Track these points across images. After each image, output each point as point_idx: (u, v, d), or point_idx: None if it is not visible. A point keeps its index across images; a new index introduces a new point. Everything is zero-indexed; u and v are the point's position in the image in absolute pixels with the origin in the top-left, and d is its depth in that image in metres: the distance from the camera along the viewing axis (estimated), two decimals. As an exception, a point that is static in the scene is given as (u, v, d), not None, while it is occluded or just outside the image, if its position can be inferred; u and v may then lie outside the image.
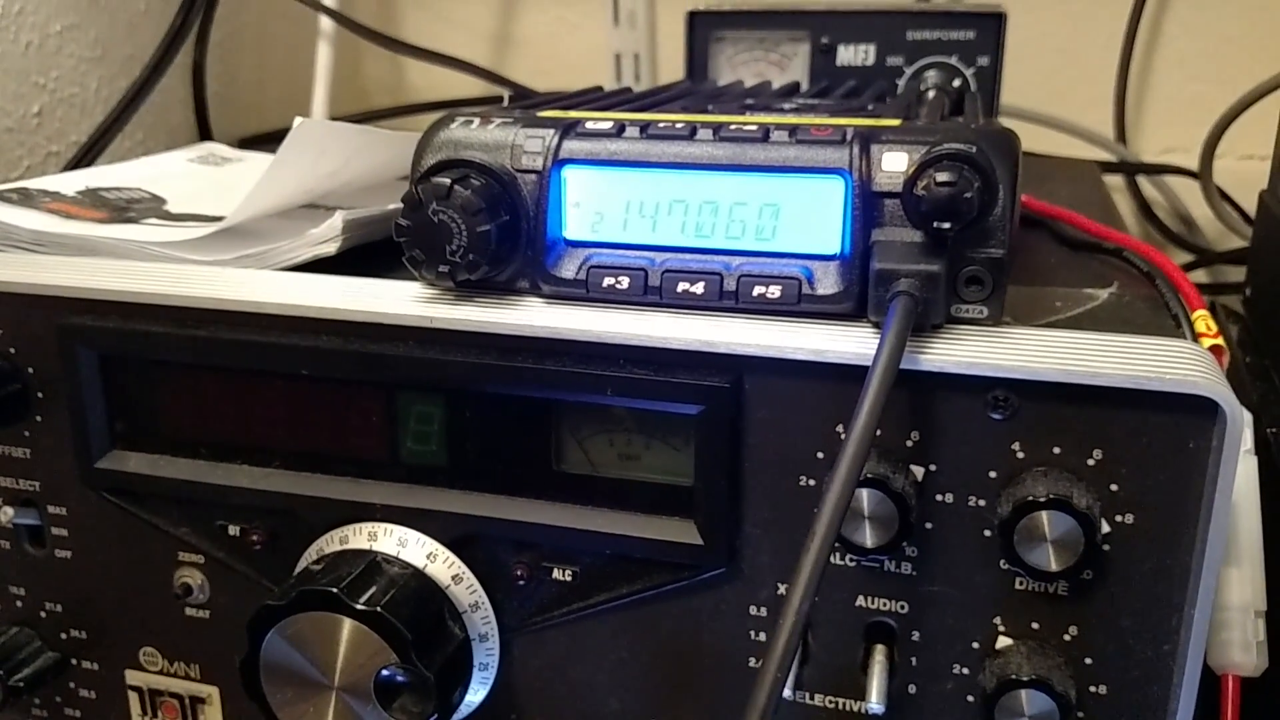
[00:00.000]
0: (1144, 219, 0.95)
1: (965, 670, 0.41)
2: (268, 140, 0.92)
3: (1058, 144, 0.93)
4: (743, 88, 0.64)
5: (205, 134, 0.91)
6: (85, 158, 0.74)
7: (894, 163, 0.39)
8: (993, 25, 0.68)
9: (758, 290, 0.40)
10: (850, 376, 0.37)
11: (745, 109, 0.49)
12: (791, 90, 0.64)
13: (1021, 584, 0.40)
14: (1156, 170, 0.94)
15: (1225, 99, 0.85)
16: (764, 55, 0.72)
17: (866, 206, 0.39)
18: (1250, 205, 0.86)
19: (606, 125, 0.41)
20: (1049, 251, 0.54)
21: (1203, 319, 0.44)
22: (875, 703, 0.40)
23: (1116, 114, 0.94)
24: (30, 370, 0.48)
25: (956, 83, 0.68)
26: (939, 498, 0.39)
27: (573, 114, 0.45)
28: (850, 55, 0.70)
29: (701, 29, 0.72)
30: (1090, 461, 0.38)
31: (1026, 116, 0.92)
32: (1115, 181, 0.94)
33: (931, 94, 0.57)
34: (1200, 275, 0.93)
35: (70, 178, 0.62)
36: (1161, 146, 0.95)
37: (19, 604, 0.52)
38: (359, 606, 0.41)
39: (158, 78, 0.75)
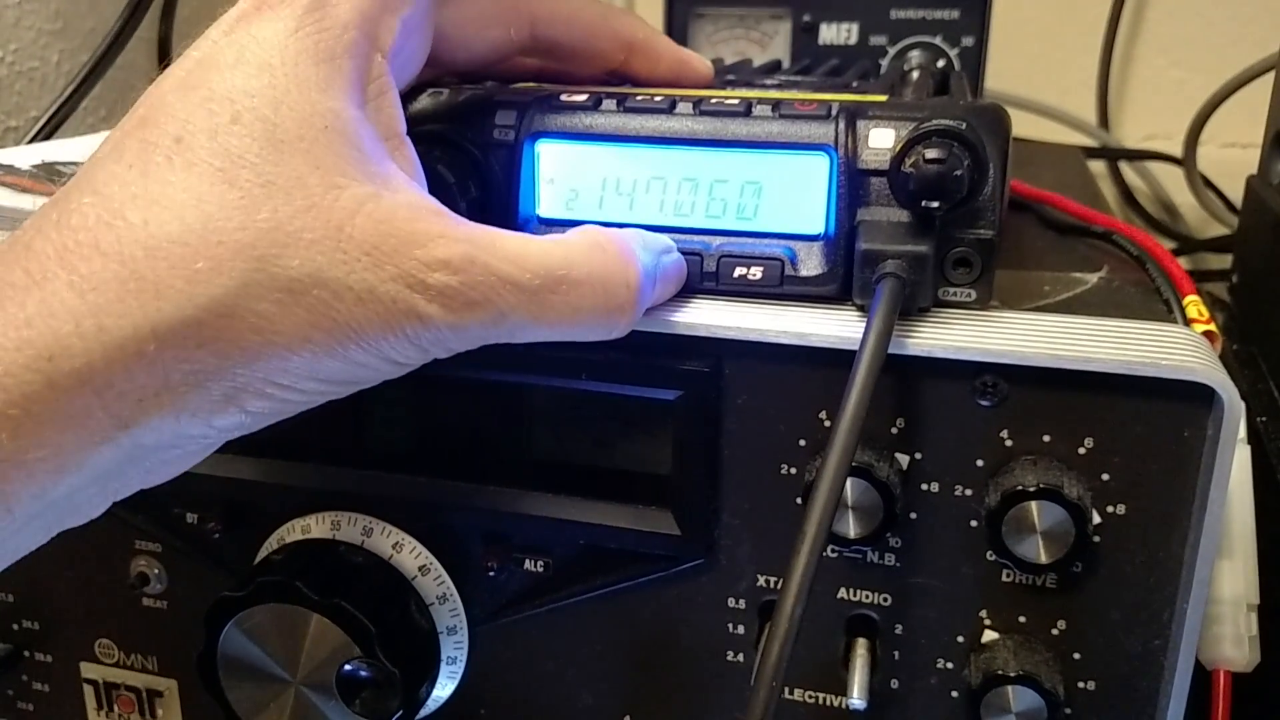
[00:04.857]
0: (1126, 205, 0.94)
1: (950, 665, 0.40)
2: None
3: (1040, 129, 0.92)
4: (722, 64, 0.62)
5: (171, 111, 0.89)
6: (44, 132, 0.71)
7: (881, 139, 0.37)
8: (978, 5, 0.67)
9: (739, 271, 0.38)
10: (834, 361, 0.36)
11: (727, 84, 0.47)
12: (773, 68, 0.62)
13: (1009, 576, 0.38)
14: (1139, 156, 0.93)
15: (1208, 85, 0.84)
16: (745, 33, 0.70)
17: (852, 184, 0.37)
18: (1233, 193, 0.86)
19: (582, 98, 0.40)
20: (1036, 235, 0.52)
21: (1194, 304, 0.42)
22: (856, 698, 0.39)
23: (1099, 99, 0.93)
24: (-21, 351, 0.46)
25: (941, 63, 0.67)
26: (924, 487, 0.38)
27: (548, 86, 0.43)
28: (832, 34, 0.69)
29: (681, 6, 0.71)
30: (1081, 450, 0.36)
31: (1009, 101, 0.91)
32: (1098, 168, 0.93)
33: (915, 74, 0.55)
34: (1182, 263, 0.92)
35: (26, 152, 0.59)
36: (1144, 133, 0.94)
37: (-32, 594, 0.51)
38: (320, 599, 0.39)
39: (117, 51, 0.73)
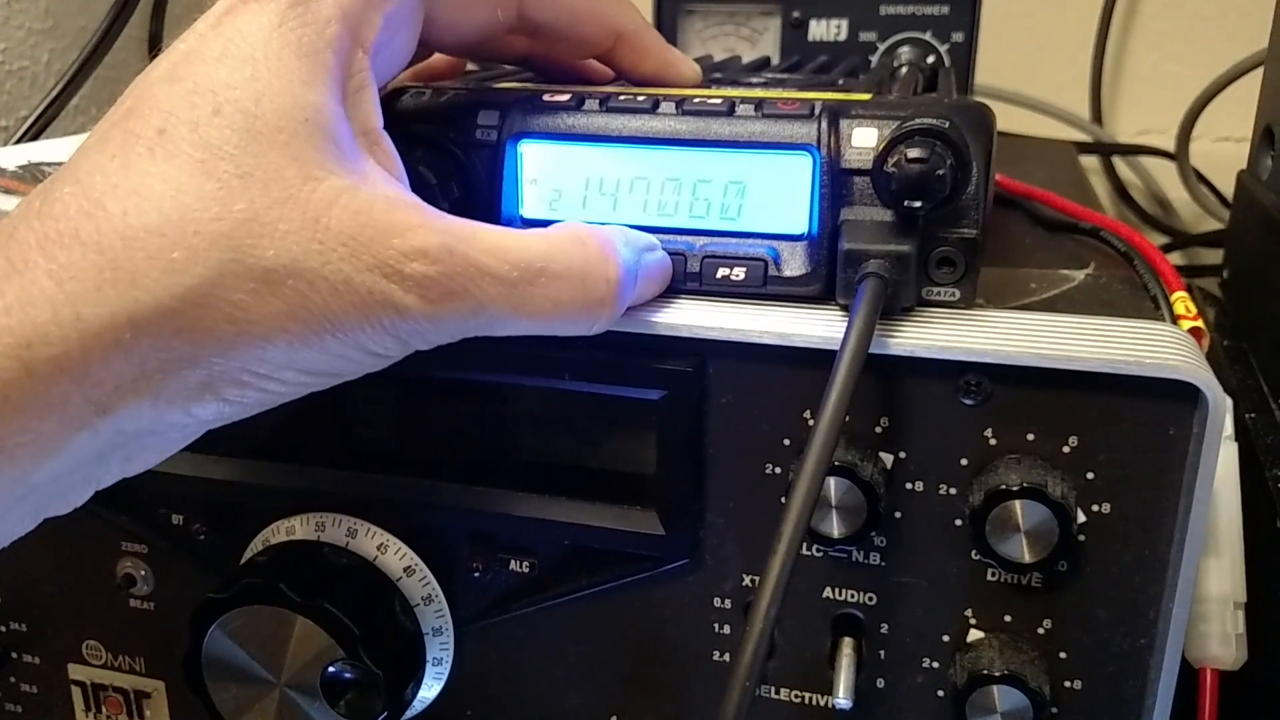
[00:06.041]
0: (1119, 200, 0.94)
1: (935, 664, 0.40)
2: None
3: (1033, 124, 0.92)
4: (711, 62, 0.62)
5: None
6: (31, 132, 0.71)
7: (864, 138, 0.37)
8: (967, 1, 0.66)
9: (722, 272, 0.38)
10: (818, 361, 0.36)
11: (712, 83, 0.47)
12: (761, 65, 0.62)
13: (993, 575, 0.38)
14: (1132, 151, 0.93)
15: (1202, 80, 0.84)
16: (734, 30, 0.70)
17: (835, 184, 0.37)
18: (1226, 187, 0.85)
19: (565, 98, 0.40)
20: (1024, 232, 0.52)
21: (1182, 301, 0.42)
22: (842, 697, 0.39)
23: (1092, 94, 0.93)
24: (-36, 353, 0.46)
25: (930, 59, 0.67)
26: (909, 486, 0.38)
27: (530, 86, 0.43)
28: (822, 30, 0.68)
29: (670, 2, 0.70)
30: (1065, 449, 0.36)
31: (1001, 96, 0.91)
32: (1091, 163, 0.93)
33: (904, 71, 0.55)
34: (1176, 258, 0.92)
35: (12, 152, 0.59)
36: (1137, 128, 0.94)
37: (-45, 596, 0.50)
38: (304, 600, 0.39)
39: (105, 50, 0.73)
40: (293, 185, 0.29)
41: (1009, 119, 0.91)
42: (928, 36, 0.67)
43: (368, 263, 0.29)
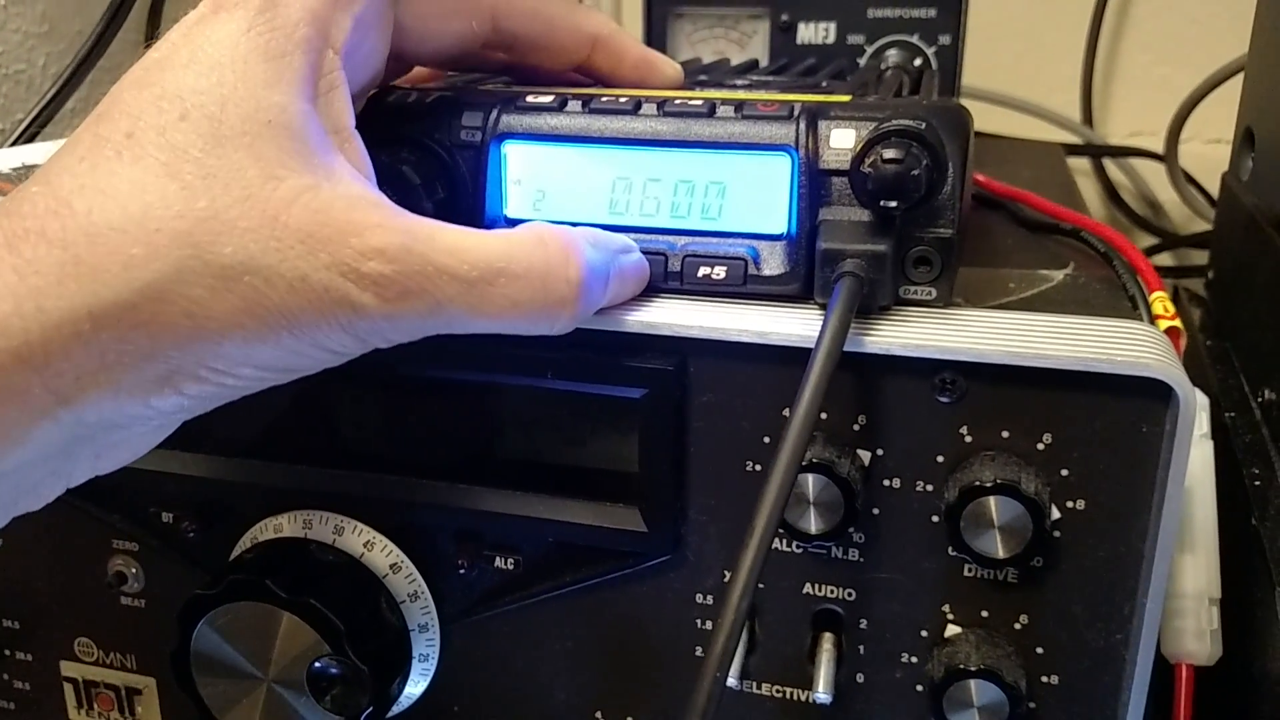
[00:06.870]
0: (1110, 202, 0.94)
1: (914, 659, 0.40)
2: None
3: (1024, 126, 0.92)
4: (699, 64, 0.63)
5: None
6: (27, 135, 0.72)
7: (842, 139, 0.38)
8: (954, 4, 0.67)
9: (702, 271, 0.39)
10: (796, 359, 0.36)
11: (698, 85, 0.48)
12: (749, 67, 0.62)
13: (970, 571, 0.39)
14: (1122, 153, 0.93)
15: (1193, 82, 0.84)
16: (724, 33, 0.70)
17: (813, 185, 0.38)
18: (1215, 188, 0.86)
19: (548, 99, 0.40)
20: (1006, 232, 0.53)
21: (1160, 300, 0.43)
22: (822, 692, 0.40)
23: (1083, 96, 0.93)
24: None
25: (918, 62, 0.67)
26: (886, 483, 0.38)
27: (515, 87, 0.43)
28: (810, 33, 0.69)
29: (660, 5, 0.71)
30: (1040, 446, 0.37)
31: (992, 98, 0.92)
32: (1081, 164, 0.94)
33: (889, 72, 0.55)
34: (1165, 258, 0.92)
35: (7, 155, 0.60)
36: (1128, 129, 0.95)
37: (-51, 594, 0.51)
38: (290, 597, 0.39)
39: (99, 54, 0.74)
40: (253, 185, 0.30)
41: (1001, 121, 0.92)
42: (915, 39, 0.67)
43: (324, 260, 0.30)
